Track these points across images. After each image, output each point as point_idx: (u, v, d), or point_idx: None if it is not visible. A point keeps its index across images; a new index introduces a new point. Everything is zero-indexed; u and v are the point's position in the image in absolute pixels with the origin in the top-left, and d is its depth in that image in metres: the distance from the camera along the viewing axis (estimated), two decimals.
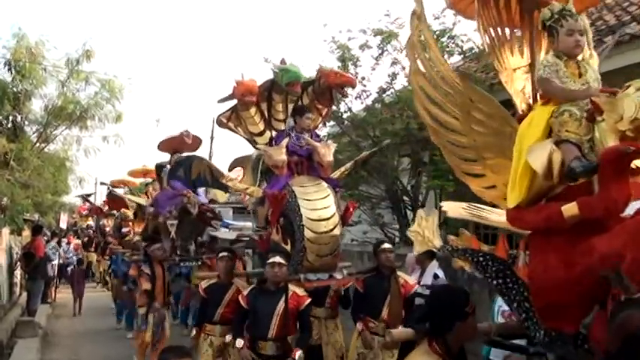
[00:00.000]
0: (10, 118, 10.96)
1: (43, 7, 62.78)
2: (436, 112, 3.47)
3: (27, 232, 14.58)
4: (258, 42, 71.09)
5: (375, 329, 5.80)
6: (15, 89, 10.66)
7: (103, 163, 39.04)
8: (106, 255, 17.01)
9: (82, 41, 11.35)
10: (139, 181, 16.37)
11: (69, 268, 18.49)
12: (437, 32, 8.81)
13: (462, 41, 9.05)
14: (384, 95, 9.27)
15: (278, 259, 5.07)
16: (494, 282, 3.09)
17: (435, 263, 6.77)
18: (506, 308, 5.74)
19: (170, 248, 8.77)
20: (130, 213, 15.34)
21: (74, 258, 18.85)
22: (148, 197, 15.12)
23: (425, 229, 4.12)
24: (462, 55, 9.41)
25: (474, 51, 9.18)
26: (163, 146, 9.04)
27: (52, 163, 11.57)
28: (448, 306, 2.81)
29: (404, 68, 8.90)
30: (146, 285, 7.59)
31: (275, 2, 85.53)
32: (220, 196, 11.31)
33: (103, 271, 17.65)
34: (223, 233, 10.42)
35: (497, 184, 3.39)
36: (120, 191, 17.38)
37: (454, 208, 3.83)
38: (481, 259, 3.19)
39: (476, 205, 3.77)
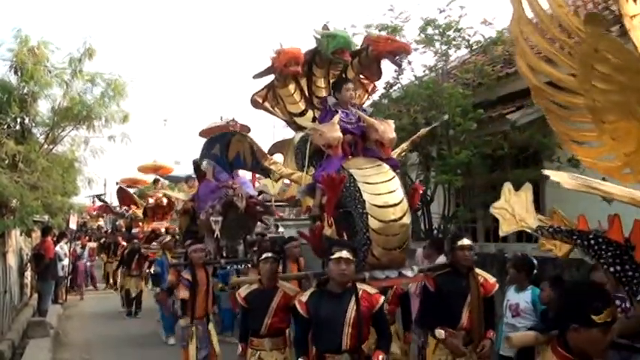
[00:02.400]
0: (18, 120, 10.94)
1: (47, 9, 63.04)
2: (544, 68, 2.88)
3: (37, 234, 14.63)
4: (263, 40, 71.15)
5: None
6: (21, 92, 10.66)
7: (111, 163, 39.22)
8: (116, 256, 17.06)
9: (82, 40, 11.16)
10: (150, 178, 16.37)
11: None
12: (442, 26, 8.76)
13: (469, 35, 8.98)
14: (390, 90, 9.22)
15: (345, 253, 4.15)
16: (612, 269, 2.73)
17: (443, 258, 6.73)
18: (514, 302, 5.64)
19: (215, 249, 7.80)
20: (140, 212, 15.37)
21: (88, 264, 18.28)
22: (155, 190, 15.17)
23: (515, 205, 3.60)
24: (469, 49, 9.36)
25: (481, 44, 9.14)
26: (206, 135, 7.78)
27: (60, 165, 11.51)
28: (570, 303, 2.49)
29: (410, 63, 8.84)
30: (183, 294, 6.70)
31: (277, 2, 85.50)
32: (271, 186, 10.01)
33: (113, 273, 17.47)
34: None
35: (616, 153, 2.85)
36: (131, 191, 17.46)
37: (564, 179, 3.18)
38: (592, 242, 2.83)
39: (579, 175, 3.22)
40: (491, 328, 5.08)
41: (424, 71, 9.20)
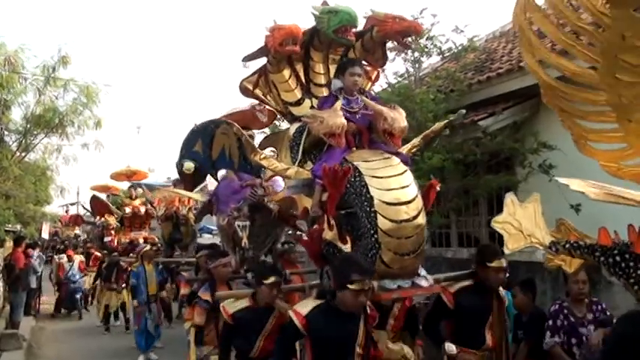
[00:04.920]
0: None
1: (22, 17, 62.24)
2: (556, 62, 2.46)
3: (10, 244, 14.40)
4: (235, 50, 71.16)
5: None
6: None
7: (84, 171, 38.83)
8: (88, 267, 16.53)
9: (57, 47, 11.10)
10: (123, 186, 16.03)
11: (77, 295, 15.29)
12: None
13: (441, 42, 9.14)
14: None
15: (368, 282, 3.57)
16: None
17: None
18: None
19: (238, 261, 6.56)
20: (112, 220, 15.06)
21: (81, 281, 15.59)
22: (133, 200, 14.90)
23: (522, 220, 3.22)
24: (441, 56, 9.51)
25: (452, 51, 9.29)
26: None
27: (32, 173, 11.43)
28: (632, 338, 2.05)
29: (383, 70, 8.94)
30: (199, 318, 5.71)
31: (252, 7, 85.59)
32: None
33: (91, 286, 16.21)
34: (207, 239, 9.96)
35: None
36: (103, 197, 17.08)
37: (588, 189, 2.81)
38: (618, 258, 2.49)
39: (598, 183, 2.92)
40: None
41: (396, 78, 9.32)
